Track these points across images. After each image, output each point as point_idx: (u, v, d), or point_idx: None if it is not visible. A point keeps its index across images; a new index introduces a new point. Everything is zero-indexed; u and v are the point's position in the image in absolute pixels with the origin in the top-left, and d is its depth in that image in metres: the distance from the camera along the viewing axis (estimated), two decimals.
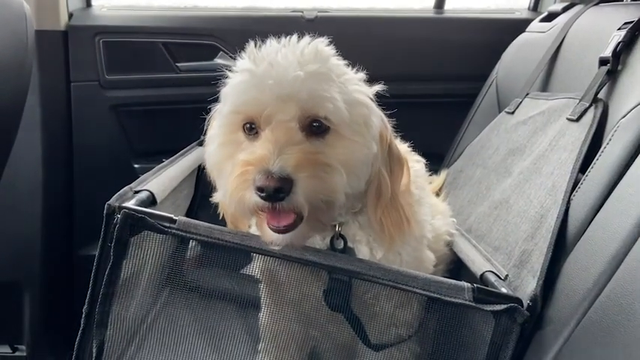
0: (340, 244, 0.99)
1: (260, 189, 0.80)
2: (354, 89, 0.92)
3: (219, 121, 0.93)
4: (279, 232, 0.85)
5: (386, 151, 0.96)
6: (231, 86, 0.91)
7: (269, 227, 0.85)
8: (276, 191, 0.79)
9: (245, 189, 0.82)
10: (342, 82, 0.90)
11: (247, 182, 0.82)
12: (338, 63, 0.93)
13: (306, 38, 0.93)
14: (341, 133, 0.88)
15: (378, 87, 0.98)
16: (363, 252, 0.99)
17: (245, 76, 0.88)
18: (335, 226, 0.99)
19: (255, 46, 0.92)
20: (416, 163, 1.15)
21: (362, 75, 0.98)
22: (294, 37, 0.93)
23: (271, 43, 0.93)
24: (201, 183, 1.51)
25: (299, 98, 0.84)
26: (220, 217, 1.06)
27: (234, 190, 0.84)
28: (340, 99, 0.86)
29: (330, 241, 0.99)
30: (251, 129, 0.89)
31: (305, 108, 0.85)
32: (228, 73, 0.94)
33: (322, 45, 0.92)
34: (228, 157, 0.90)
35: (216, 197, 1.00)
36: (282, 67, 0.85)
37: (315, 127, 0.87)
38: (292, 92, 0.84)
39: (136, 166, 1.94)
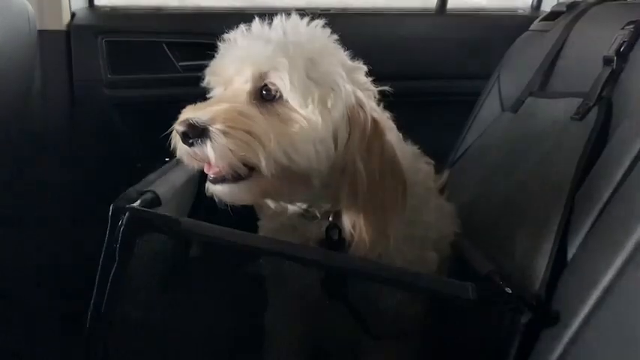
0: (335, 235, 0.99)
1: (175, 131, 0.87)
2: (330, 71, 0.92)
3: (210, 83, 1.00)
4: (213, 183, 0.89)
5: (368, 147, 0.93)
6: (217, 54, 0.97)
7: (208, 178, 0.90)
8: (184, 135, 0.85)
9: (176, 136, 0.89)
10: (316, 62, 0.90)
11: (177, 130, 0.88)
12: (327, 45, 0.95)
13: (305, 19, 0.96)
14: (288, 105, 0.89)
15: (381, 86, 0.99)
16: (360, 245, 0.98)
17: (225, 44, 0.96)
18: (329, 215, 0.99)
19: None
20: (425, 165, 1.15)
21: (358, 65, 0.98)
22: (295, 16, 0.97)
23: (274, 20, 0.96)
24: (205, 183, 1.50)
25: (249, 61, 0.89)
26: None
27: (173, 135, 0.91)
28: (289, 68, 0.87)
29: (325, 231, 0.99)
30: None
31: (255, 70, 0.89)
32: None
33: (317, 28, 0.96)
34: None
35: None
36: (253, 37, 0.92)
37: (265, 94, 0.89)
38: (244, 56, 0.90)
39: (139, 165, 1.93)
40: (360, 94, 0.95)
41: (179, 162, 1.29)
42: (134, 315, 0.97)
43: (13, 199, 1.71)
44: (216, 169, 0.88)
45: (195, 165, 0.92)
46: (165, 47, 1.88)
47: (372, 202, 0.92)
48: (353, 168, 0.92)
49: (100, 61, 1.83)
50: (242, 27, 0.96)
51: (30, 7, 1.39)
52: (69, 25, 1.80)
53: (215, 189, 0.90)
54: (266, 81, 0.89)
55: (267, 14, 0.98)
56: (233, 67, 0.92)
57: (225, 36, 0.97)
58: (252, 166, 0.86)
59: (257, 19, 0.96)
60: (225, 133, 0.83)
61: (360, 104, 0.94)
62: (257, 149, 0.84)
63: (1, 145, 1.36)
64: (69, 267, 1.88)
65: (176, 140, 0.90)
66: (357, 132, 0.92)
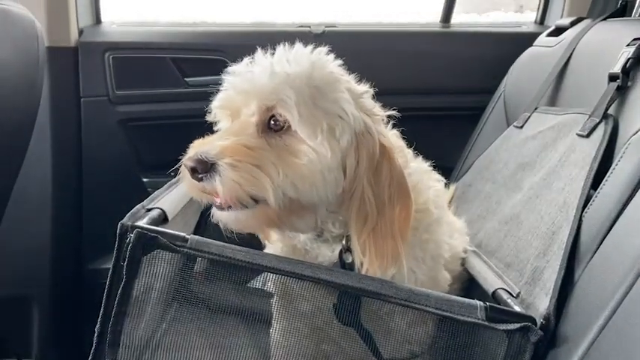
0: (349, 258, 0.99)
1: (184, 166, 0.88)
2: (337, 98, 0.92)
3: (217, 116, 1.01)
4: (219, 209, 0.90)
5: (376, 170, 0.93)
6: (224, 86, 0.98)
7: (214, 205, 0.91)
8: (193, 170, 0.86)
9: (185, 170, 0.89)
10: (322, 90, 0.91)
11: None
12: (332, 71, 0.95)
13: (309, 47, 0.96)
14: (297, 134, 0.89)
15: (389, 111, 1.00)
16: (373, 268, 0.99)
17: (230, 76, 0.96)
18: (342, 238, 0.99)
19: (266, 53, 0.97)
20: (437, 182, 1.14)
21: (364, 89, 0.98)
22: (298, 45, 0.97)
23: (277, 50, 0.97)
24: None
25: (255, 94, 0.90)
26: None
27: (182, 170, 0.91)
28: (296, 99, 0.88)
29: (339, 254, 0.99)
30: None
31: (261, 103, 0.89)
32: None
33: (321, 54, 0.96)
34: None
35: None
36: (258, 69, 0.91)
37: (273, 125, 0.90)
38: (250, 88, 0.91)
39: (145, 180, 1.94)
40: (367, 119, 0.94)
41: None
42: (141, 332, 0.97)
43: (23, 212, 1.72)
44: (224, 201, 0.88)
45: (203, 198, 0.93)
46: (172, 63, 1.90)
47: (382, 226, 0.92)
48: (361, 193, 0.91)
49: (107, 76, 1.85)
50: (246, 59, 0.97)
51: (38, 24, 1.40)
52: (77, 41, 1.83)
53: (221, 216, 0.91)
54: (274, 112, 0.89)
55: (270, 43, 0.99)
56: (239, 100, 0.93)
57: (230, 68, 0.97)
58: (259, 198, 0.87)
59: (259, 49, 0.97)
60: (233, 167, 0.84)
61: (368, 130, 0.93)
62: (265, 182, 0.85)
63: (9, 160, 1.37)
64: (77, 280, 1.89)
65: (184, 174, 0.90)
66: (366, 158, 0.92)
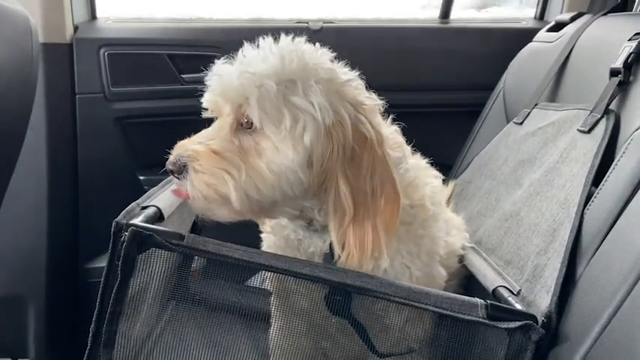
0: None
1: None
2: (308, 92, 0.89)
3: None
4: (191, 201, 0.93)
5: (353, 162, 0.90)
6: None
7: None
8: (170, 171, 0.93)
9: None
10: (296, 84, 0.89)
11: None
12: (308, 63, 0.92)
13: (289, 39, 0.96)
14: (265, 133, 0.90)
15: (375, 97, 0.98)
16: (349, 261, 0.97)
17: (213, 77, 0.97)
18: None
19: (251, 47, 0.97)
20: (434, 178, 1.13)
21: (347, 78, 0.95)
22: (284, 38, 0.96)
23: (260, 44, 0.96)
24: None
25: (228, 96, 0.93)
26: None
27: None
28: (261, 98, 0.88)
29: (329, 246, 0.98)
30: None
31: (234, 105, 0.92)
32: None
33: (303, 46, 0.95)
34: None
35: None
36: (229, 67, 0.94)
37: (245, 123, 0.91)
38: (223, 90, 0.93)
39: (141, 178, 1.93)
40: (341, 109, 0.91)
41: None
42: (136, 332, 0.96)
43: (19, 210, 1.70)
44: (186, 194, 0.93)
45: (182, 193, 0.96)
46: (168, 59, 1.88)
47: (363, 217, 0.90)
48: (335, 185, 0.90)
49: (102, 73, 1.83)
50: (222, 58, 0.98)
51: (32, 20, 1.39)
52: (72, 38, 1.80)
53: (194, 205, 0.94)
54: (243, 112, 0.91)
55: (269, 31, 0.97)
56: (219, 101, 0.95)
57: (213, 68, 0.98)
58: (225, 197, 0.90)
59: (245, 44, 0.97)
60: (197, 172, 0.90)
61: (340, 120, 0.90)
62: (228, 184, 0.89)
63: (3, 158, 1.36)
64: (73, 278, 1.87)
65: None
66: (337, 149, 0.89)
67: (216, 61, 0.97)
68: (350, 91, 0.94)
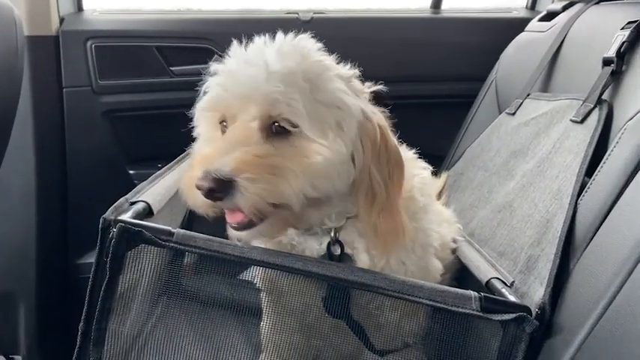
0: (337, 250, 0.97)
1: (198, 188, 0.81)
2: (331, 88, 0.89)
3: (198, 119, 0.96)
4: (237, 230, 0.86)
5: (378, 152, 0.92)
6: (209, 85, 0.92)
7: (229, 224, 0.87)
8: (210, 191, 0.80)
9: (192, 187, 0.83)
10: (317, 82, 0.88)
11: (192, 180, 0.83)
12: (320, 60, 0.92)
13: (290, 36, 0.93)
14: (304, 134, 0.86)
15: (375, 87, 0.97)
16: (362, 259, 0.97)
17: (219, 77, 0.90)
18: (331, 230, 0.97)
19: (243, 45, 0.93)
20: (422, 170, 1.12)
21: (352, 72, 0.96)
22: (280, 35, 0.93)
23: (256, 41, 0.93)
24: None
25: (256, 99, 0.85)
26: None
27: (185, 188, 0.87)
28: (301, 100, 0.85)
29: (327, 247, 0.97)
30: (225, 126, 0.91)
31: (264, 109, 0.85)
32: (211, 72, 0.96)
33: (304, 42, 0.92)
34: None
35: None
36: (252, 68, 0.86)
37: (278, 128, 0.86)
38: (249, 93, 0.85)
39: (131, 172, 1.91)
40: (363, 104, 0.93)
41: (171, 168, 1.28)
42: (127, 330, 0.95)
43: (7, 206, 1.68)
44: (240, 218, 0.85)
45: (211, 214, 0.90)
46: (157, 51, 1.85)
47: (388, 204, 0.92)
48: (369, 178, 0.91)
49: (89, 66, 1.80)
50: (235, 53, 0.92)
51: (16, 12, 1.36)
52: (58, 30, 1.77)
53: (240, 235, 0.88)
54: (278, 117, 0.85)
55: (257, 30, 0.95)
56: (236, 105, 0.87)
57: (216, 67, 0.93)
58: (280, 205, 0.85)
59: (234, 42, 0.93)
60: (252, 181, 0.80)
61: (366, 116, 0.92)
62: (285, 189, 0.83)
63: None
64: (63, 274, 1.86)
65: (194, 193, 0.84)
66: (369, 143, 0.91)
67: (213, 60, 0.94)
68: (357, 84, 0.96)
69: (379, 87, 0.98)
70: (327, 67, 0.92)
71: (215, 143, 0.89)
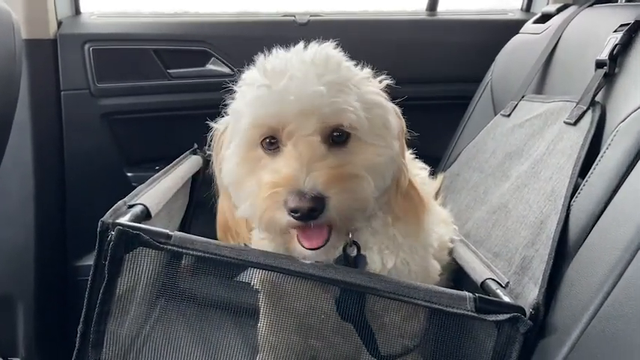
0: (353, 252, 0.97)
1: (294, 210, 0.79)
2: (367, 90, 0.92)
3: (237, 138, 0.91)
4: (311, 249, 0.86)
5: (402, 143, 0.97)
6: (248, 102, 0.89)
7: (301, 246, 0.86)
8: (310, 211, 0.79)
9: (276, 210, 0.82)
10: (355, 86, 0.89)
11: (278, 203, 0.81)
12: (348, 65, 0.93)
13: (313, 45, 0.93)
14: (362, 138, 0.88)
15: (385, 80, 0.98)
16: (374, 260, 0.98)
17: (262, 92, 0.87)
18: (348, 233, 0.97)
19: (261, 56, 0.93)
20: (420, 170, 1.14)
21: (369, 71, 0.97)
22: (301, 44, 0.93)
23: (278, 52, 0.93)
24: (195, 192, 1.49)
25: (321, 112, 0.84)
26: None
27: (264, 212, 0.83)
28: (359, 106, 0.87)
29: (343, 249, 0.97)
30: (271, 144, 0.88)
31: (327, 121, 0.85)
32: (239, 88, 0.94)
33: (331, 50, 0.93)
34: (248, 174, 0.89)
35: (239, 213, 0.94)
36: (301, 81, 0.84)
37: (337, 137, 0.87)
38: (314, 107, 0.84)
39: (129, 174, 1.91)
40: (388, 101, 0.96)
41: (169, 171, 1.29)
42: (125, 331, 0.95)
43: (5, 209, 1.69)
44: (320, 241, 0.85)
45: (280, 238, 0.92)
46: (154, 54, 1.86)
47: (408, 189, 0.98)
48: (399, 174, 0.96)
49: (87, 69, 1.81)
50: (262, 62, 0.91)
51: (14, 16, 1.36)
52: (56, 33, 1.78)
53: (311, 255, 0.87)
54: (337, 126, 0.86)
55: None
56: (296, 119, 0.85)
57: (251, 79, 0.91)
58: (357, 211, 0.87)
59: (275, 51, 0.93)
60: (340, 194, 0.82)
61: (396, 112, 0.97)
62: (366, 196, 0.86)
63: None
64: (61, 276, 1.86)
65: (278, 217, 0.83)
66: (402, 138, 0.97)
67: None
68: (374, 81, 0.99)
69: (388, 82, 0.99)
70: (355, 71, 0.94)
71: (272, 163, 0.86)
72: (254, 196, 0.86)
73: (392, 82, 0.98)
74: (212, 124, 1.03)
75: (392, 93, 0.99)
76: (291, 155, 0.83)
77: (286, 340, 1.01)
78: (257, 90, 0.87)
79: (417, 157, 1.20)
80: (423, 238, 1.05)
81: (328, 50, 0.91)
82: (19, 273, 1.74)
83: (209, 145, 1.04)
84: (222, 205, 1.06)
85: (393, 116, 0.95)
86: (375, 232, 0.99)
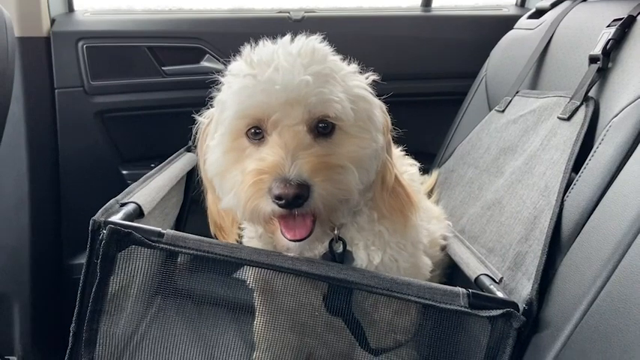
0: (339, 248, 0.98)
1: (278, 197, 0.80)
2: (354, 84, 0.92)
3: (222, 128, 0.91)
4: (295, 240, 0.86)
5: (388, 140, 0.98)
6: (234, 92, 0.88)
7: (284, 237, 0.86)
8: (295, 198, 0.79)
9: (260, 197, 0.82)
10: (342, 79, 0.90)
11: (262, 191, 0.82)
12: (335, 59, 0.93)
13: (300, 37, 0.93)
14: (347, 131, 0.88)
15: (372, 76, 0.98)
16: (360, 256, 0.99)
17: (248, 81, 0.86)
18: (334, 228, 0.98)
19: (247, 47, 0.93)
20: (410, 167, 1.14)
21: (355, 67, 0.97)
22: (287, 37, 0.93)
23: (265, 44, 0.93)
24: (190, 189, 1.48)
25: (307, 102, 0.84)
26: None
27: (248, 200, 0.83)
28: (345, 97, 0.87)
29: (329, 245, 0.98)
30: (256, 134, 0.88)
31: (313, 111, 0.85)
32: (224, 78, 0.94)
33: (317, 43, 0.92)
34: (233, 164, 0.89)
35: (223, 205, 0.94)
36: (287, 71, 0.84)
37: (322, 128, 0.87)
38: (300, 96, 0.84)
39: (123, 172, 1.91)
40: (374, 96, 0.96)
41: (162, 169, 1.28)
42: (120, 330, 0.95)
43: (0, 208, 1.68)
44: (308, 228, 0.85)
45: (267, 229, 0.91)
46: (148, 51, 1.85)
47: (395, 186, 0.98)
48: (384, 169, 0.96)
49: (81, 67, 1.80)
50: (248, 53, 0.91)
51: (7, 13, 1.35)
52: (49, 31, 1.77)
53: (295, 247, 0.87)
54: (323, 117, 0.86)
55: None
56: (282, 109, 0.85)
57: (237, 69, 0.91)
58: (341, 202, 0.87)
59: (261, 43, 0.93)
60: (325, 182, 0.82)
61: (381, 107, 0.97)
62: (351, 185, 0.86)
63: None
64: (57, 275, 1.86)
65: (261, 205, 0.82)
66: (387, 132, 0.97)
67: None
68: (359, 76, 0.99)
69: (374, 77, 0.99)
70: (342, 64, 0.94)
71: (257, 153, 0.86)
72: (238, 185, 0.86)
73: (378, 78, 0.98)
74: (197, 117, 1.02)
75: (384, 89, 0.99)
76: (276, 144, 0.84)
77: (282, 338, 1.01)
78: (243, 80, 0.87)
79: (411, 153, 1.20)
80: (411, 234, 1.05)
81: (315, 43, 0.91)
82: (14, 271, 1.73)
83: (194, 139, 1.03)
84: (209, 200, 1.06)
85: (379, 111, 0.96)
86: (360, 228, 0.99)
